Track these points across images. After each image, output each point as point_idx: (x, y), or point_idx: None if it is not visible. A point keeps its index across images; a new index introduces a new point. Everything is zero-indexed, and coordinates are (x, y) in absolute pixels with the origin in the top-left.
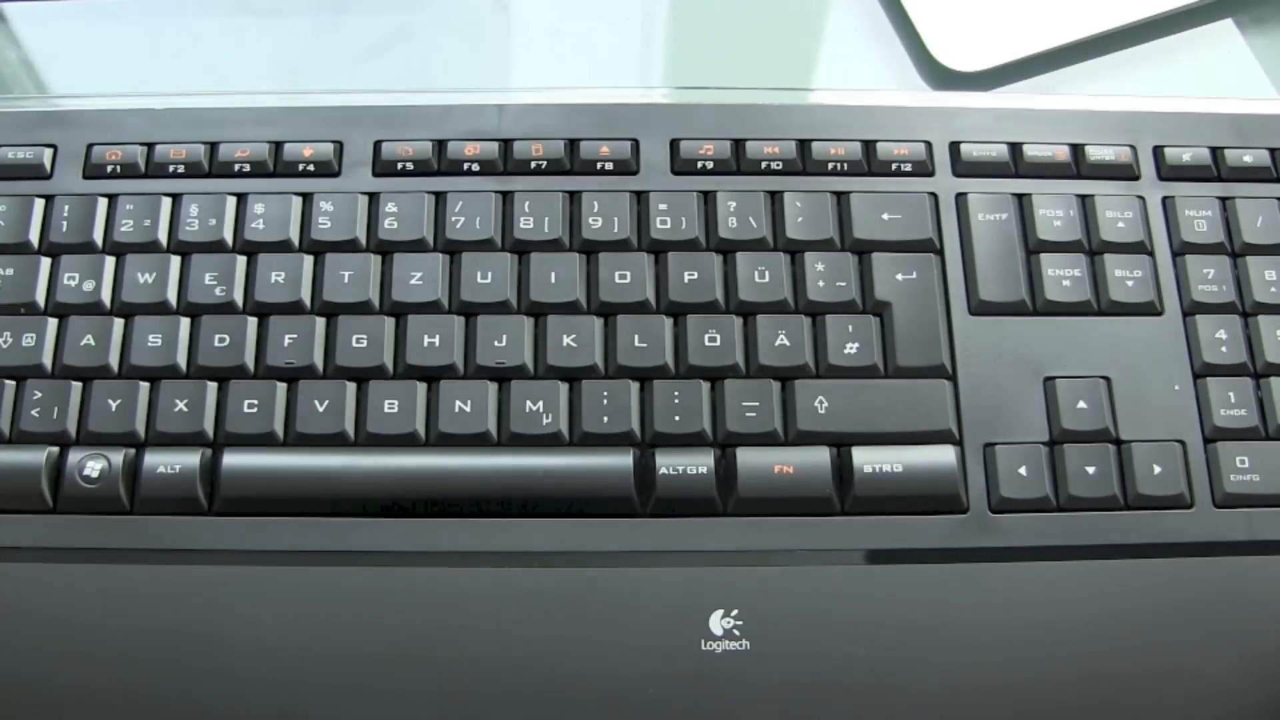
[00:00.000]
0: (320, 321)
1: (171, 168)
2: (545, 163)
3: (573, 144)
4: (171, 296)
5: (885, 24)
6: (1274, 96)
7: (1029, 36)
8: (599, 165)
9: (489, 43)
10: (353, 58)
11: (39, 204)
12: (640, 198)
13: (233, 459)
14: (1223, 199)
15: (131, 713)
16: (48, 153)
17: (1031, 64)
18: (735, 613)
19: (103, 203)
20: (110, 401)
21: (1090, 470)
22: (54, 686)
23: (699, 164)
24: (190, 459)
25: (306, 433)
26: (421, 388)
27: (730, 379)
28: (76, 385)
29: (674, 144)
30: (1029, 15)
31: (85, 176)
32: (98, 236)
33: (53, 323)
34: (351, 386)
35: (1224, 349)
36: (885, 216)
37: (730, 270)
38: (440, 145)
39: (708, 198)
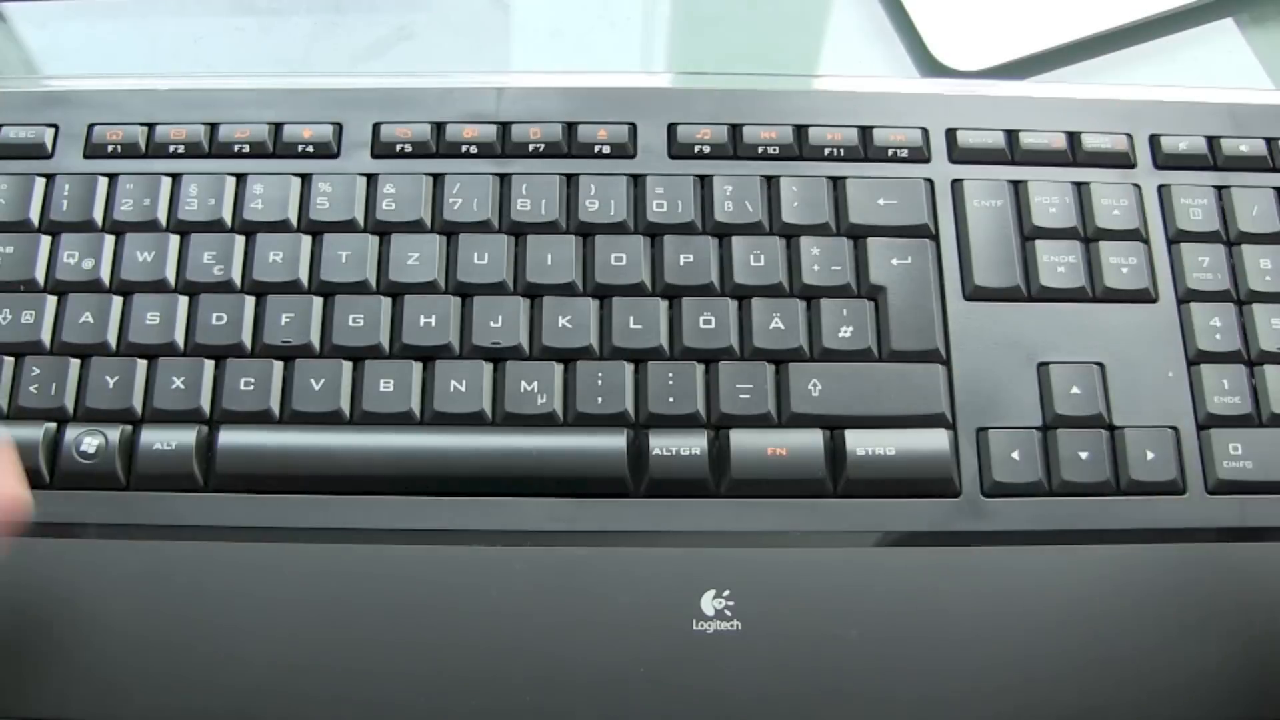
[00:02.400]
0: (317, 301)
1: (171, 148)
2: (543, 146)
3: (570, 127)
4: (170, 275)
5: (885, 23)
6: (1273, 90)
7: (1028, 36)
8: (596, 148)
9: (489, 43)
10: (352, 57)
11: (39, 183)
12: (637, 181)
13: (229, 436)
14: (1218, 188)
15: (124, 688)
16: (49, 132)
17: (1031, 64)
18: (727, 593)
19: (103, 182)
20: (108, 378)
21: (1083, 455)
22: (48, 661)
23: (696, 148)
24: (186, 436)
25: (302, 411)
26: (417, 367)
27: (724, 361)
28: (74, 362)
29: (671, 128)
30: (1028, 15)
31: (86, 156)
32: (98, 215)
33: (52, 300)
34: (348, 365)
35: (1218, 336)
36: (881, 202)
37: (726, 254)
38: (438, 128)
39: (704, 182)
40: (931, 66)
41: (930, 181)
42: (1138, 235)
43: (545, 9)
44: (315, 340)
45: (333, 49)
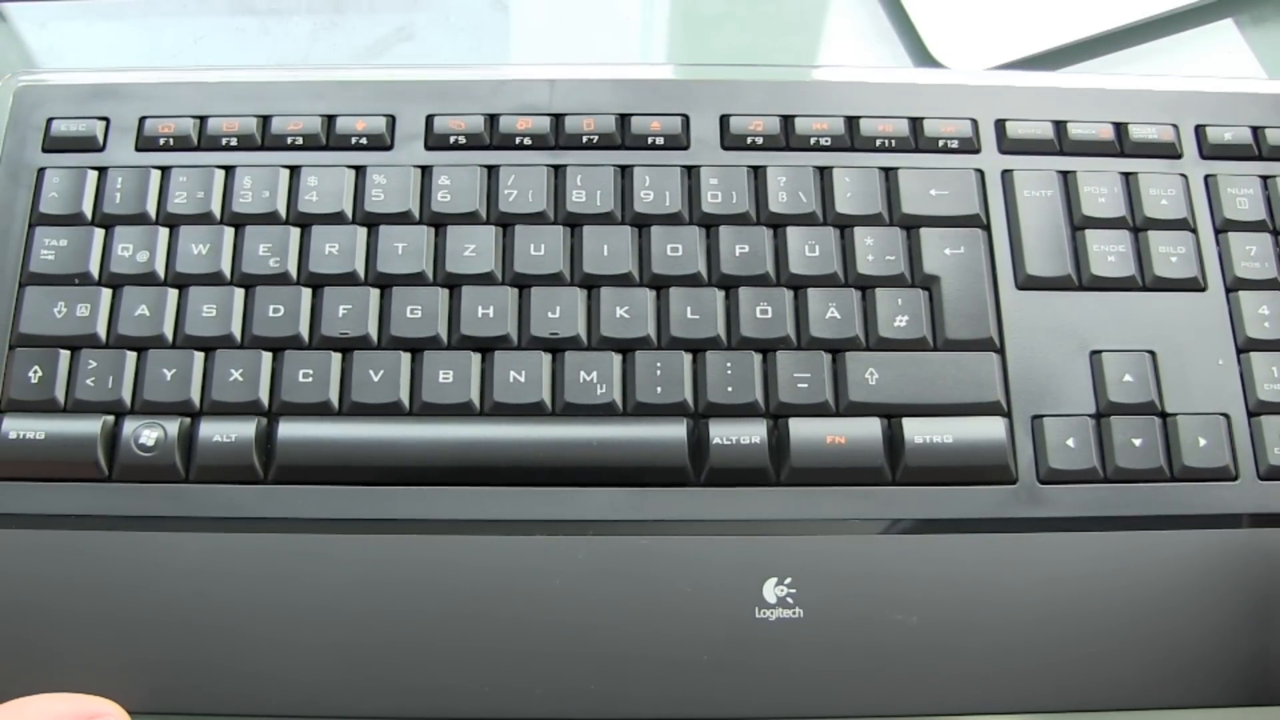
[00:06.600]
0: (374, 293)
1: (224, 140)
2: (596, 137)
3: (624, 119)
4: (225, 267)
5: (885, 23)
6: None
7: (1027, 37)
8: (650, 140)
9: (489, 43)
10: (353, 58)
11: (91, 176)
12: (691, 172)
13: (289, 428)
14: (1264, 177)
15: (187, 678)
16: (99, 125)
17: (1029, 65)
18: (788, 580)
19: (155, 175)
20: (165, 371)
21: (1137, 442)
22: (111, 654)
23: (749, 139)
24: (246, 428)
25: (362, 402)
26: (476, 358)
27: (782, 351)
28: (131, 355)
29: (724, 119)
30: (1027, 16)
31: (138, 149)
32: (151, 208)
33: (106, 293)
34: (406, 357)
35: (1267, 324)
36: (933, 192)
37: (781, 244)
38: (492, 119)
39: (758, 173)
40: (932, 68)
41: (981, 172)
42: (1186, 225)
43: (545, 9)
44: (373, 332)
45: (333, 49)
